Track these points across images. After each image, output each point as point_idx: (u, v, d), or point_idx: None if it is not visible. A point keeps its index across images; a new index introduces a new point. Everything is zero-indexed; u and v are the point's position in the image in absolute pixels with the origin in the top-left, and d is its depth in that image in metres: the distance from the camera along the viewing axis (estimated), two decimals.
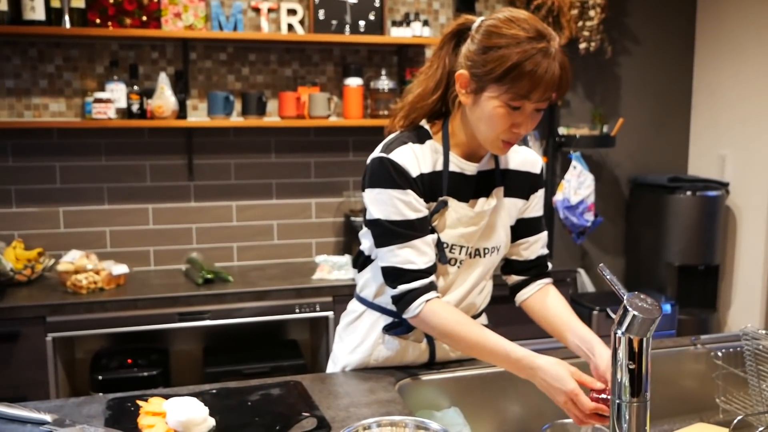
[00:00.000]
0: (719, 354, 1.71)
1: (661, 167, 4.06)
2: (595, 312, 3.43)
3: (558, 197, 3.60)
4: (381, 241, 1.51)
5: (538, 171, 1.67)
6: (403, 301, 1.50)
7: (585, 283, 3.96)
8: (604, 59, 3.82)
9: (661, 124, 4.05)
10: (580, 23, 3.55)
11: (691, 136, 4.10)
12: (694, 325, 3.67)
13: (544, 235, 1.70)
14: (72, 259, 2.97)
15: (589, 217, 3.57)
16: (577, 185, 3.56)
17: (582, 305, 3.50)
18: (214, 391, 1.50)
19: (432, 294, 1.49)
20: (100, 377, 2.90)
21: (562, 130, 3.74)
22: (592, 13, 3.53)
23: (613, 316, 3.40)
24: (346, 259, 3.20)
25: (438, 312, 1.48)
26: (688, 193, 3.63)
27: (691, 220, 3.65)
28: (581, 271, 3.96)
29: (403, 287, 1.49)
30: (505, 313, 1.77)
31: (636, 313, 1.10)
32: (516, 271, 1.69)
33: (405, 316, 1.51)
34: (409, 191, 1.48)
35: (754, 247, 3.68)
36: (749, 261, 3.71)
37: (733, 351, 1.72)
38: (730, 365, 1.70)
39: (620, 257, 4.06)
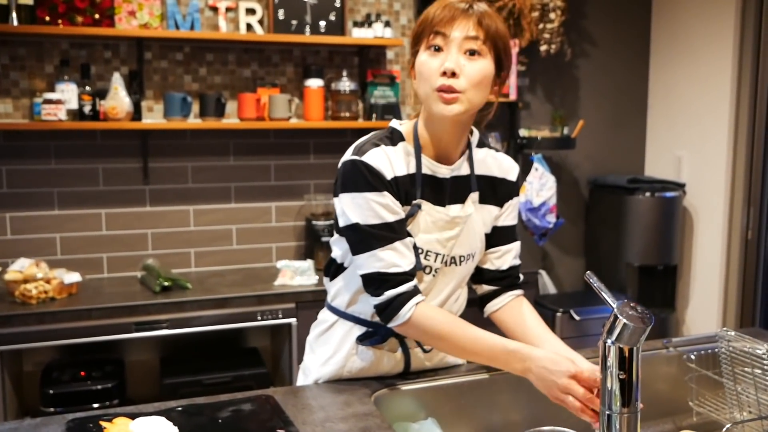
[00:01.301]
0: (692, 357, 1.71)
1: (618, 168, 4.10)
2: (558, 314, 3.43)
3: (520, 199, 3.58)
4: (361, 246, 1.45)
5: (513, 178, 1.63)
6: (390, 307, 1.44)
7: (546, 284, 3.98)
8: (564, 61, 3.84)
9: (618, 125, 4.09)
10: (541, 26, 3.56)
11: (647, 137, 4.16)
12: (655, 325, 3.70)
13: (518, 245, 1.67)
14: (20, 267, 2.84)
15: (551, 218, 3.58)
16: (539, 187, 3.56)
17: (545, 307, 3.50)
18: (180, 408, 1.42)
19: (420, 297, 1.45)
20: (51, 391, 2.78)
21: (523, 132, 3.75)
22: (552, 15, 3.54)
23: (576, 317, 3.41)
24: (309, 263, 3.14)
25: (430, 315, 1.44)
26: (647, 194, 3.67)
27: (650, 221, 3.69)
28: (542, 272, 3.98)
29: (389, 293, 1.43)
30: (468, 317, 1.74)
31: (627, 321, 1.08)
32: (486, 281, 1.64)
33: (393, 323, 1.45)
34: (386, 193, 1.43)
35: (710, 247, 3.74)
36: (706, 261, 3.77)
37: (705, 353, 1.72)
38: (703, 368, 1.70)
39: (581, 258, 4.09)
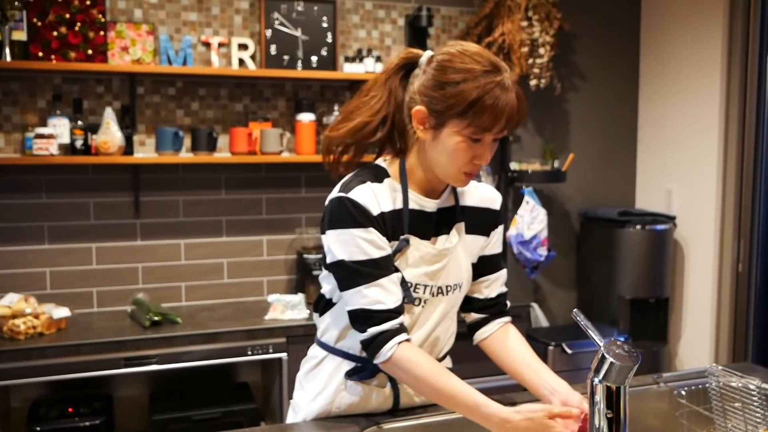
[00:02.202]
0: (683, 392, 1.70)
1: (609, 201, 4.12)
2: (550, 347, 3.41)
3: (511, 232, 3.60)
4: (347, 283, 1.46)
5: (497, 207, 1.66)
6: (373, 344, 1.44)
7: (539, 317, 3.97)
8: (554, 96, 3.88)
9: (608, 158, 4.12)
10: (531, 61, 3.60)
11: (637, 170, 4.19)
12: (647, 358, 3.69)
13: (504, 272, 1.69)
14: (9, 302, 2.82)
15: (543, 251, 3.58)
16: (530, 220, 3.57)
17: (537, 340, 3.49)
18: None
19: (403, 336, 1.44)
20: (39, 428, 2.74)
21: (514, 165, 3.77)
22: (542, 50, 3.58)
23: (568, 351, 3.40)
24: (300, 297, 3.13)
25: (410, 357, 1.43)
26: (638, 226, 3.68)
27: (641, 254, 3.69)
28: (535, 305, 3.97)
29: (373, 330, 1.43)
30: (462, 349, 1.73)
31: (613, 360, 1.08)
32: (476, 309, 1.66)
33: (376, 360, 1.45)
34: (372, 229, 1.44)
35: (701, 279, 3.75)
36: (698, 293, 3.77)
37: (696, 389, 1.71)
38: (694, 403, 1.69)
39: (572, 291, 4.08)
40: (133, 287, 3.27)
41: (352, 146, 1.51)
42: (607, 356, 1.08)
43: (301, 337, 2.95)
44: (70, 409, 2.85)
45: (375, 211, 1.45)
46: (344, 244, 1.44)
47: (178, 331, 2.88)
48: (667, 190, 3.94)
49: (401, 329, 1.45)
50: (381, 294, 1.43)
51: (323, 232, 1.50)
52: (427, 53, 1.46)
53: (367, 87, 1.52)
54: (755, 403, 1.50)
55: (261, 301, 3.38)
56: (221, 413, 2.96)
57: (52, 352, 2.69)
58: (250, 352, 2.93)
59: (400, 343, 1.43)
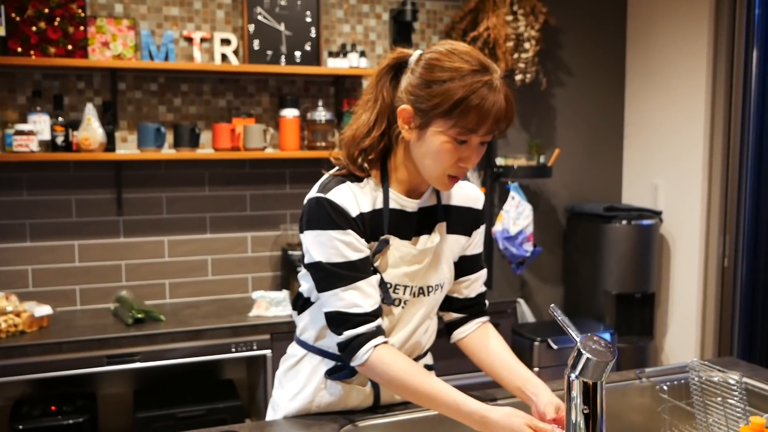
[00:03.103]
0: (665, 387, 1.70)
1: (596, 196, 4.12)
2: (536, 343, 3.40)
3: (497, 228, 3.60)
4: (323, 285, 1.44)
5: (480, 207, 1.64)
6: (349, 347, 1.42)
7: (525, 313, 3.96)
8: (539, 91, 3.87)
9: (595, 154, 4.12)
10: (516, 55, 3.59)
11: (624, 165, 4.19)
12: (633, 353, 3.70)
13: (484, 272, 1.68)
14: None
15: (528, 247, 3.58)
16: (516, 215, 3.56)
17: (523, 336, 3.48)
18: None
19: (379, 339, 1.43)
20: (21, 427, 2.72)
21: (499, 161, 3.76)
22: (527, 45, 3.57)
23: (554, 346, 3.39)
24: (284, 294, 3.11)
25: (387, 360, 1.41)
26: (624, 222, 3.68)
27: (628, 249, 3.70)
28: (521, 301, 3.96)
29: (349, 333, 1.42)
30: (444, 345, 1.72)
31: (589, 356, 1.07)
32: (455, 309, 1.65)
33: (353, 363, 1.44)
34: (350, 231, 1.42)
35: (687, 275, 3.75)
36: (683, 288, 3.78)
37: (678, 384, 1.71)
38: (676, 398, 1.69)
39: (559, 286, 4.08)
40: (116, 285, 3.25)
41: (355, 150, 1.47)
42: (583, 351, 1.07)
43: (285, 334, 2.94)
44: (53, 408, 2.83)
45: (354, 213, 1.43)
46: (322, 246, 1.42)
47: (162, 328, 2.85)
48: (653, 186, 3.95)
49: (378, 332, 1.43)
50: (358, 297, 1.42)
51: (301, 232, 1.48)
52: (417, 52, 1.43)
53: (365, 90, 1.50)
54: (735, 398, 1.50)
55: (245, 298, 3.36)
56: (205, 410, 2.95)
57: (34, 350, 2.66)
58: (234, 349, 2.91)
59: (376, 346, 1.42)
